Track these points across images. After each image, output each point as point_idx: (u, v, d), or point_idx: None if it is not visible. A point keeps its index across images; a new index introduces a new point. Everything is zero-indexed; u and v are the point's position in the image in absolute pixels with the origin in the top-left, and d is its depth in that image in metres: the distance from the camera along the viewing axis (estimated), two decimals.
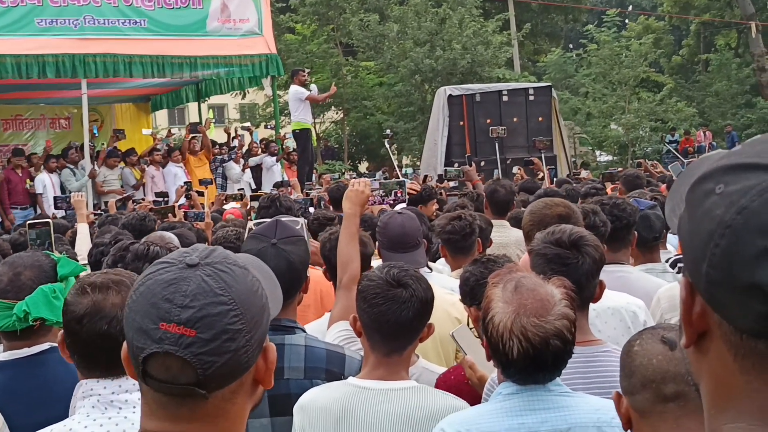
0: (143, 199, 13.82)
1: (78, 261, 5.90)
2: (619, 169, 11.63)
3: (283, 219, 3.62)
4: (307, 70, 17.35)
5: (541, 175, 11.91)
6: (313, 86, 17.54)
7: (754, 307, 1.00)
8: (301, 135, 16.88)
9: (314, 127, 16.66)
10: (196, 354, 1.44)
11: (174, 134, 21.02)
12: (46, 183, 15.34)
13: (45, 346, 2.79)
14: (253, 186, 17.37)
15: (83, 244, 6.45)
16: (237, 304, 1.48)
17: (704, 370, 1.11)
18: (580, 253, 3.04)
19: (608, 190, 9.36)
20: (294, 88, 16.69)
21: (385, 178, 14.29)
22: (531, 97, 18.80)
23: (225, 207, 10.39)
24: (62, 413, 2.74)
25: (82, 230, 6.72)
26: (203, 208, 10.36)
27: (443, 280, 4.58)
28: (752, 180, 1.02)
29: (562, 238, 3.07)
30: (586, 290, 3.03)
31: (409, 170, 20.64)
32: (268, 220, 3.96)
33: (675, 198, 1.20)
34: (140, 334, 1.47)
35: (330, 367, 3.19)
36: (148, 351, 1.46)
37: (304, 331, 3.33)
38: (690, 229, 1.08)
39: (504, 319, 2.44)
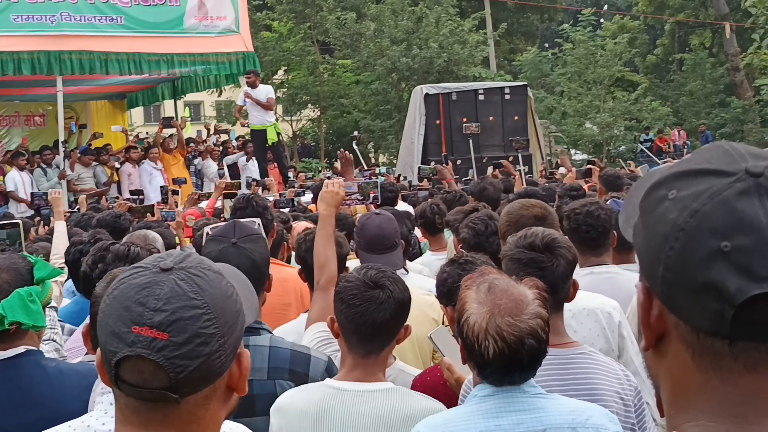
0: (118, 197, 13.74)
1: (53, 258, 5.89)
2: (589, 166, 11.64)
3: (240, 220, 3.64)
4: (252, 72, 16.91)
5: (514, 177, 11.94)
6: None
7: (709, 306, 1.03)
8: (253, 137, 16.90)
9: (273, 128, 16.38)
10: (169, 357, 1.43)
11: (145, 137, 20.88)
12: (16, 180, 15.13)
13: (21, 349, 2.78)
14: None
15: (60, 242, 6.39)
16: (210, 308, 1.47)
17: (663, 371, 1.15)
18: (554, 256, 3.06)
19: (585, 188, 9.40)
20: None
21: (362, 174, 14.31)
22: (507, 96, 18.86)
23: (201, 206, 10.34)
24: (38, 417, 2.73)
25: (59, 228, 6.65)
26: (176, 207, 10.32)
27: (421, 281, 4.59)
28: (703, 185, 1.07)
29: (535, 242, 3.08)
30: (560, 292, 3.06)
31: (383, 169, 20.66)
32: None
33: (628, 208, 1.24)
34: (113, 338, 1.47)
35: (293, 367, 3.19)
36: (121, 354, 1.45)
37: (270, 332, 3.34)
38: (645, 235, 1.12)
39: (479, 320, 2.46)
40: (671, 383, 1.13)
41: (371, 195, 6.02)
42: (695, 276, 1.04)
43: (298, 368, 3.19)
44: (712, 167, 1.09)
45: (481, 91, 18.88)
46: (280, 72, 32.12)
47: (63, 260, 6.02)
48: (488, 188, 6.97)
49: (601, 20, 41.62)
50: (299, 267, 4.46)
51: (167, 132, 17.95)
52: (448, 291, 3.40)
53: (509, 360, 2.44)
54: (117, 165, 16.66)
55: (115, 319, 1.47)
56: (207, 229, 4.02)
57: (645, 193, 1.15)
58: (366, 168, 16.98)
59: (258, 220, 4.17)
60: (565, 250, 3.09)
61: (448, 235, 6.09)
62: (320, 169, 26.06)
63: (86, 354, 3.41)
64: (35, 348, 2.86)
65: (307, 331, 3.68)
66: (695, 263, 1.04)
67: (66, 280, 5.67)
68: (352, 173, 6.87)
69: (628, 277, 4.50)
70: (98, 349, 1.54)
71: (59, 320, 4.27)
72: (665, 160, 18.31)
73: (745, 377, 1.06)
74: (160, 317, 1.45)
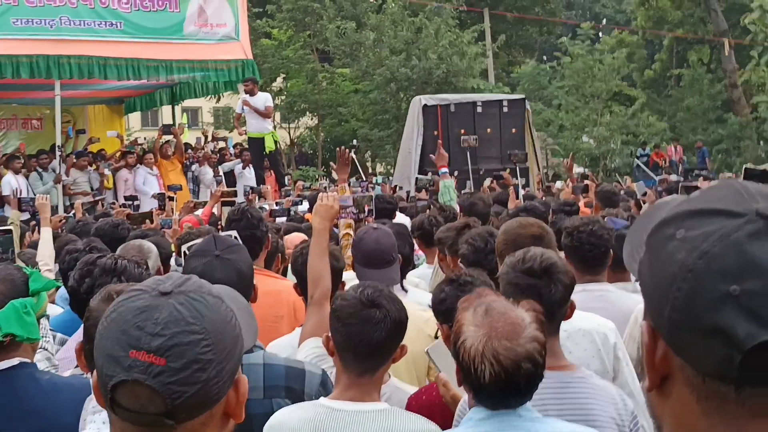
0: (114, 203, 13.72)
1: (39, 266, 5.84)
2: (586, 182, 11.66)
3: (218, 234, 3.63)
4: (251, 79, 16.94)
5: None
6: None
7: (716, 350, 1.01)
8: (250, 144, 16.94)
9: (271, 136, 16.45)
10: (166, 383, 1.42)
11: (141, 143, 20.87)
12: (11, 184, 15.04)
13: (15, 361, 2.76)
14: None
15: (46, 249, 6.34)
16: (209, 333, 1.46)
17: (667, 413, 1.13)
18: (552, 281, 3.04)
19: (581, 204, 9.40)
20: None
21: (359, 184, 14.30)
22: (505, 109, 18.90)
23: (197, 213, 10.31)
24: (31, 429, 2.72)
25: (45, 235, 6.58)
26: (173, 214, 10.30)
27: (420, 297, 4.57)
28: (712, 225, 1.05)
29: (533, 267, 3.06)
30: (558, 316, 3.05)
31: (379, 179, 20.63)
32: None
33: (634, 242, 1.22)
34: (110, 362, 1.45)
35: (289, 383, 3.17)
36: (117, 379, 1.44)
37: (263, 349, 3.32)
38: (651, 274, 1.11)
39: (475, 343, 2.45)
40: (674, 425, 1.12)
41: (366, 209, 5.99)
42: (703, 319, 1.02)
43: (294, 384, 3.17)
44: (722, 207, 1.07)
45: (479, 103, 18.92)
46: (279, 79, 32.15)
47: (47, 267, 5.97)
48: (477, 203, 6.98)
49: (600, 34, 41.71)
50: (295, 280, 4.44)
51: (165, 138, 17.96)
52: (445, 311, 3.38)
53: (505, 384, 2.43)
54: (107, 171, 16.53)
55: (113, 343, 1.46)
56: (184, 248, 3.99)
57: (652, 230, 1.13)
58: (364, 178, 16.97)
59: (234, 233, 4.17)
60: (563, 274, 3.08)
61: None
62: (317, 177, 26.06)
63: (76, 366, 3.40)
64: (29, 360, 2.85)
65: (301, 347, 3.66)
66: (703, 306, 1.02)
67: (59, 288, 5.64)
68: (347, 173, 6.88)
69: (620, 295, 4.50)
70: (94, 371, 1.52)
71: (51, 329, 4.26)
72: (661, 178, 18.32)
73: (751, 423, 1.04)
74: (158, 342, 1.43)
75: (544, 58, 42.43)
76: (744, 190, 1.10)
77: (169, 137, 17.92)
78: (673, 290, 1.05)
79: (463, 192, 13.91)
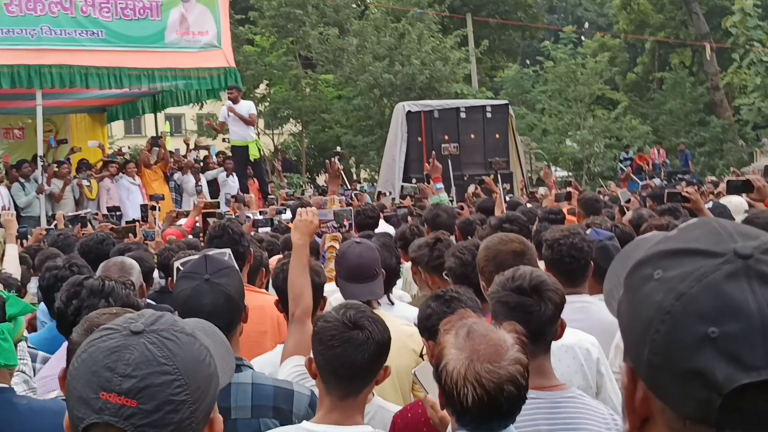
0: (97, 214, 13.63)
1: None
2: (569, 189, 11.65)
3: (210, 253, 3.60)
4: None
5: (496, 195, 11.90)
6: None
7: (695, 393, 1.00)
8: (234, 152, 16.88)
9: (255, 144, 16.47)
10: (137, 426, 1.40)
11: (125, 153, 20.77)
12: None
13: None
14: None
15: (11, 266, 6.26)
16: (181, 374, 1.44)
17: None
18: (542, 300, 3.02)
19: (565, 211, 9.39)
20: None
21: (343, 192, 14.28)
22: (488, 115, 18.89)
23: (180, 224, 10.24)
24: None
25: (11, 251, 6.49)
26: (156, 225, 10.22)
27: (407, 311, 4.56)
28: (689, 266, 1.03)
29: (523, 285, 3.05)
30: (548, 335, 3.04)
31: (365, 186, 20.57)
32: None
33: (613, 280, 1.20)
34: (80, 404, 1.43)
35: (278, 404, 3.15)
36: (88, 421, 1.42)
37: (252, 368, 3.30)
38: (630, 315, 1.10)
39: (458, 366, 2.43)
40: None
41: (346, 222, 5.98)
42: (682, 362, 1.01)
43: (282, 405, 3.16)
44: (699, 247, 1.05)
45: (462, 109, 18.90)
46: (262, 86, 32.12)
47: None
48: (441, 215, 7.01)
49: (582, 38, 41.86)
50: (277, 297, 4.41)
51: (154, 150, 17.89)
52: (431, 327, 3.35)
53: (488, 407, 2.41)
54: (85, 182, 16.34)
55: (83, 384, 1.43)
56: (177, 264, 3.94)
57: (630, 270, 1.12)
58: (348, 186, 16.94)
59: (228, 251, 4.12)
60: (553, 292, 3.06)
61: None
62: (301, 183, 26.01)
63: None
64: (6, 385, 2.81)
65: (282, 366, 3.63)
66: (682, 349, 1.01)
67: (39, 303, 5.59)
68: (337, 185, 6.93)
69: (601, 307, 4.47)
70: (66, 413, 1.50)
71: (31, 346, 4.22)
72: (645, 183, 18.35)
73: None
74: (129, 383, 1.41)
75: (527, 62, 42.56)
76: (722, 228, 1.08)
77: (155, 148, 17.85)
78: (651, 332, 1.04)
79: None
